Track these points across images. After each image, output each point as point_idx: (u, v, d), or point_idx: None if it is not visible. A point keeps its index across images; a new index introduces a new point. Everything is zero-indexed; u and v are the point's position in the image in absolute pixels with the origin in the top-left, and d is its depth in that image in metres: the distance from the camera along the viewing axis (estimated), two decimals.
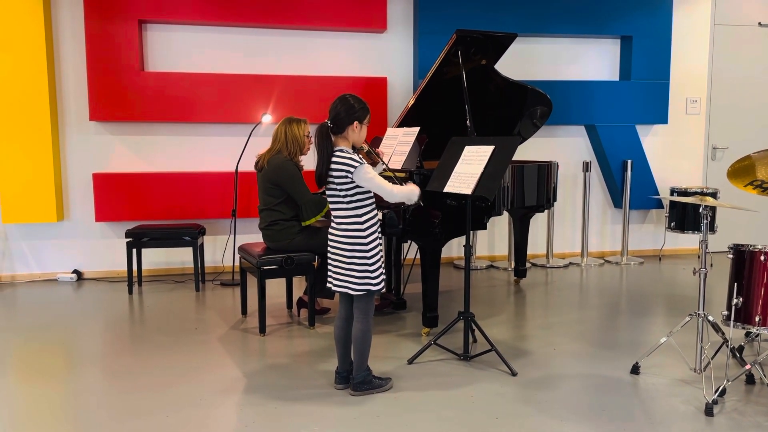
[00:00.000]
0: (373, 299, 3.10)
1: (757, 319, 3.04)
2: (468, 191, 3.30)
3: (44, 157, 5.31)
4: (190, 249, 5.26)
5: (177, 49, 5.62)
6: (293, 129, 4.13)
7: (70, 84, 5.46)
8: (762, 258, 3.05)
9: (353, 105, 3.00)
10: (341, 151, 2.96)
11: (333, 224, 3.07)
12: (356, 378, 3.12)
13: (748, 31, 6.58)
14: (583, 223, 6.33)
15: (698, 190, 5.93)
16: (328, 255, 3.11)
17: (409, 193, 3.07)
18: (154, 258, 5.69)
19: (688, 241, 6.71)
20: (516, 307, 4.81)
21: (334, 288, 3.09)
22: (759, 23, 6.58)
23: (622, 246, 6.43)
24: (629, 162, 6.28)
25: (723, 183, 6.43)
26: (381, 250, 3.06)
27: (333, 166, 2.94)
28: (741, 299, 3.08)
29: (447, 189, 3.44)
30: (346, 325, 3.15)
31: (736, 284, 3.10)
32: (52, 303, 4.87)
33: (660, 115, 6.41)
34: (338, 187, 2.97)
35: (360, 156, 2.99)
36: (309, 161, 4.04)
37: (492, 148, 3.37)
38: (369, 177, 2.93)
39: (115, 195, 5.44)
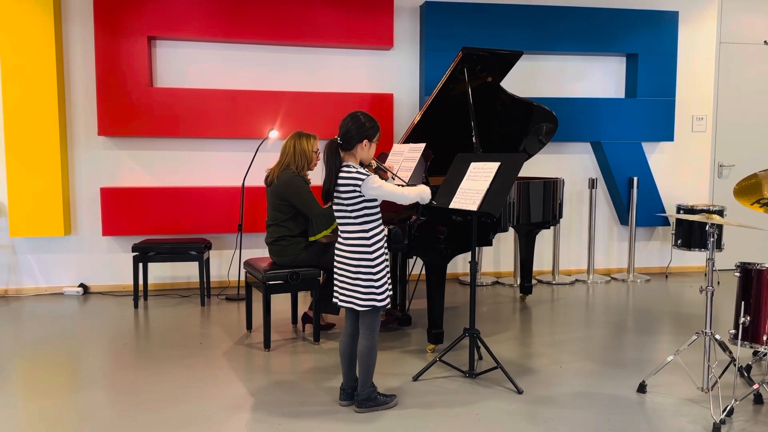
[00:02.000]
0: (378, 315, 3.10)
1: (765, 338, 3.02)
2: (474, 207, 3.31)
3: (52, 171, 5.35)
4: (196, 263, 5.27)
5: (186, 65, 5.67)
6: (302, 143, 4.16)
7: (79, 99, 5.51)
8: None
9: (364, 123, 3.02)
10: (348, 166, 2.97)
11: (339, 239, 3.08)
12: (361, 395, 3.11)
13: (753, 49, 6.60)
14: (589, 240, 6.31)
15: (705, 208, 5.91)
16: (334, 270, 3.11)
17: (420, 192, 3.12)
18: (160, 272, 5.70)
19: (695, 258, 6.69)
20: (522, 324, 4.79)
21: (339, 303, 3.09)
22: (765, 41, 6.60)
23: (628, 263, 6.41)
24: (635, 179, 6.27)
25: (729, 200, 6.41)
26: (387, 266, 3.06)
27: (340, 181, 2.96)
28: (749, 318, 3.06)
29: (453, 205, 3.45)
30: (352, 341, 3.15)
31: (743, 303, 3.08)
32: (58, 317, 4.88)
33: (666, 133, 6.41)
34: (345, 201, 2.98)
35: (367, 170, 3.00)
36: (316, 176, 4.06)
37: (498, 165, 3.38)
38: (377, 185, 2.95)
39: (123, 209, 5.47)
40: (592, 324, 4.74)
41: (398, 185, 3.17)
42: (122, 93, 5.42)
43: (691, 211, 6.01)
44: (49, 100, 5.29)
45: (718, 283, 3.13)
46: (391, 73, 6.03)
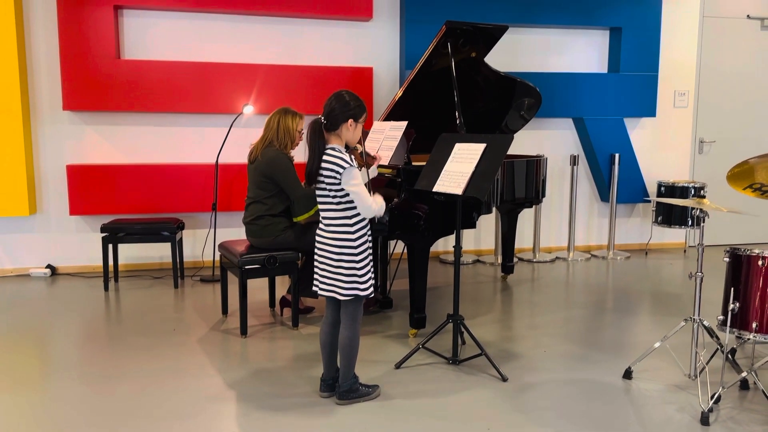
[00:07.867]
0: (361, 304, 2.98)
1: (754, 325, 2.97)
2: (458, 191, 3.18)
3: (16, 148, 5.09)
4: (169, 244, 5.08)
5: (155, 37, 5.40)
6: (287, 120, 3.99)
7: (42, 72, 5.23)
8: (759, 263, 2.97)
9: (348, 102, 2.86)
10: (333, 149, 2.82)
11: (321, 225, 2.94)
12: (342, 386, 3.00)
13: (736, 23, 6.52)
14: (570, 217, 6.25)
15: (686, 185, 5.88)
16: (315, 257, 2.98)
17: (381, 207, 2.92)
18: (130, 252, 5.51)
19: (674, 235, 6.68)
20: (503, 305, 4.72)
21: (320, 293, 2.96)
22: (747, 15, 6.52)
23: (608, 240, 6.37)
24: (617, 155, 6.20)
25: (709, 177, 6.42)
26: (370, 254, 2.94)
27: (323, 165, 2.81)
28: (737, 304, 3.01)
29: (437, 188, 3.33)
30: (333, 331, 3.03)
31: (732, 289, 3.02)
32: (24, 300, 4.68)
33: (648, 108, 6.33)
34: (328, 186, 2.84)
35: (352, 157, 2.84)
36: (300, 155, 3.89)
37: (483, 146, 3.25)
38: (355, 183, 2.79)
39: (90, 187, 5.24)
40: (574, 304, 4.69)
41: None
42: (88, 65, 5.15)
43: (671, 188, 5.98)
44: (9, 73, 5.00)
45: (697, 260, 3.06)
46: (371, 45, 5.83)
